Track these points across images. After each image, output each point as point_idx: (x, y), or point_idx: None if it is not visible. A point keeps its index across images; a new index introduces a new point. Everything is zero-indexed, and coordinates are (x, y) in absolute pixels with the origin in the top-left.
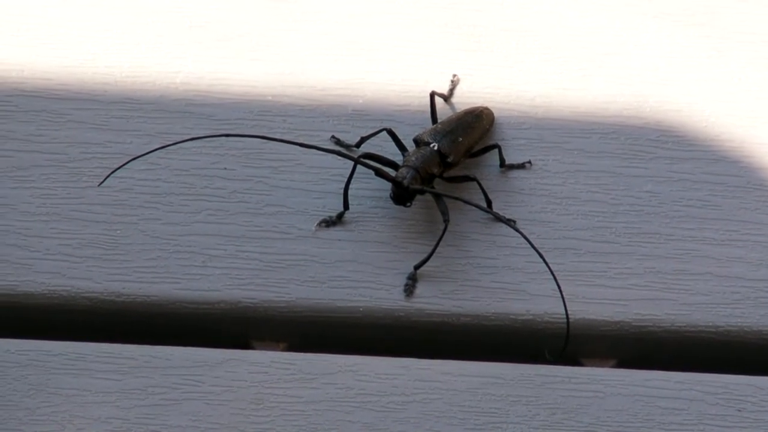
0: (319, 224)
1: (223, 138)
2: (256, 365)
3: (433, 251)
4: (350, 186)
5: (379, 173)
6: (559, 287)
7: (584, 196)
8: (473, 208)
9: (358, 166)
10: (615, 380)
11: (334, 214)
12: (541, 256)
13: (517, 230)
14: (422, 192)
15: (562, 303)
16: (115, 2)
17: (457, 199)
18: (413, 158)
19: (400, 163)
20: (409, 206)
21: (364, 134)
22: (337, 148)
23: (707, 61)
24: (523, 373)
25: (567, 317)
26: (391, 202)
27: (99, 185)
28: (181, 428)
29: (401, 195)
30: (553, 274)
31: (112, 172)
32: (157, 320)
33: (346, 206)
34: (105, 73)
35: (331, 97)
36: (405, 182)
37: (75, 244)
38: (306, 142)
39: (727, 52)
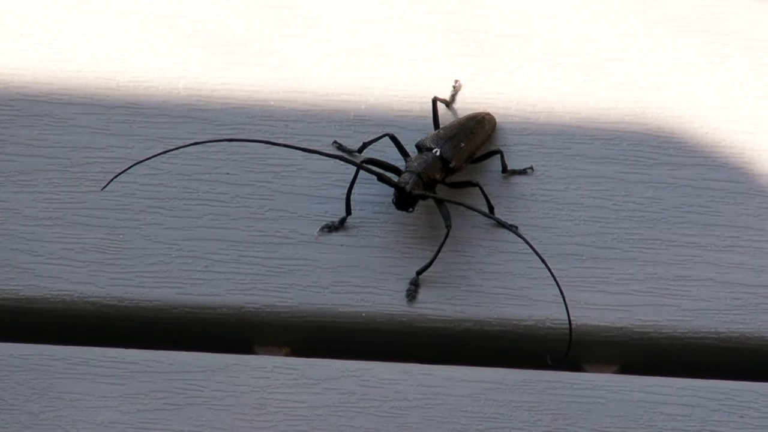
0: (322, 229)
1: (226, 143)
2: (258, 370)
3: (436, 256)
4: (353, 191)
5: (381, 178)
6: (561, 293)
7: (586, 202)
8: (475, 213)
9: (361, 172)
10: (617, 386)
11: (336, 220)
12: (543, 261)
13: (519, 235)
14: (424, 197)
15: (564, 308)
16: (118, 7)
17: (459, 204)
18: (415, 164)
19: (402, 168)
20: (412, 211)
21: (367, 139)
22: (340, 153)
23: (709, 67)
24: (525, 378)
25: (569, 323)
26: (394, 207)
27: (101, 190)
28: None
29: (404, 200)
30: (556, 280)
31: (115, 177)
32: (160, 325)
33: (348, 211)
34: (107, 77)
35: (334, 103)
36: (407, 187)
37: (77, 248)
38: (308, 147)
39: (729, 59)
